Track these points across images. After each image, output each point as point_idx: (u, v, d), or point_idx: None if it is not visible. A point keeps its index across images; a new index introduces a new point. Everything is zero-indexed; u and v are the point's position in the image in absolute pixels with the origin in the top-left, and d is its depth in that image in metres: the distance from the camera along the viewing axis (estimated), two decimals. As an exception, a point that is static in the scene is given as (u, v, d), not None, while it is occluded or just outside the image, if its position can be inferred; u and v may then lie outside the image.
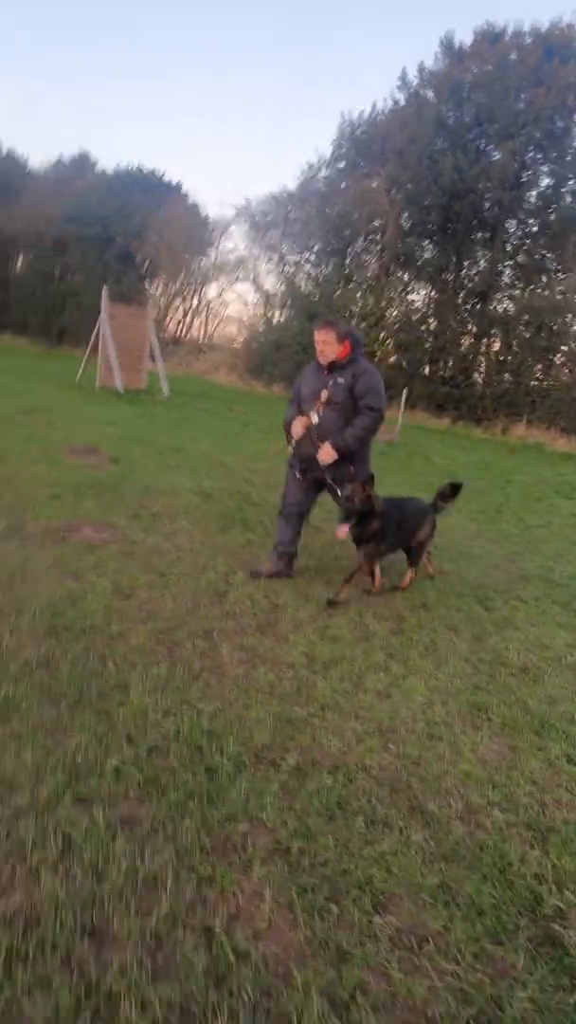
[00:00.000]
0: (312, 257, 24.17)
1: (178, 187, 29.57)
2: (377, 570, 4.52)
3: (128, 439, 8.94)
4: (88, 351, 15.65)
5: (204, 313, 31.60)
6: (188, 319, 31.52)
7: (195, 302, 31.32)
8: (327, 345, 4.24)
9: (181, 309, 31.12)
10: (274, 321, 24.57)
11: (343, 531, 4.18)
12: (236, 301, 32.92)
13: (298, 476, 4.53)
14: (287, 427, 4.49)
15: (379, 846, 2.14)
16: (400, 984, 1.69)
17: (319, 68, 57.46)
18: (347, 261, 22.69)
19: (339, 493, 4.26)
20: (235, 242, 39.12)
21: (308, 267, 24.42)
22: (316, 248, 23.70)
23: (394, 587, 4.59)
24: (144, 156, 61.63)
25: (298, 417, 4.41)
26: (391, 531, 4.35)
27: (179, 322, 31.24)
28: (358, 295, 21.65)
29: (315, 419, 4.34)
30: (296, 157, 71.86)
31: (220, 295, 31.00)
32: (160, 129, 60.80)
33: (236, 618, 3.73)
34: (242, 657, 3.30)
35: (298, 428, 4.38)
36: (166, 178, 29.57)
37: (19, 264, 31.06)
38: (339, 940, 1.79)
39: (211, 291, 31.26)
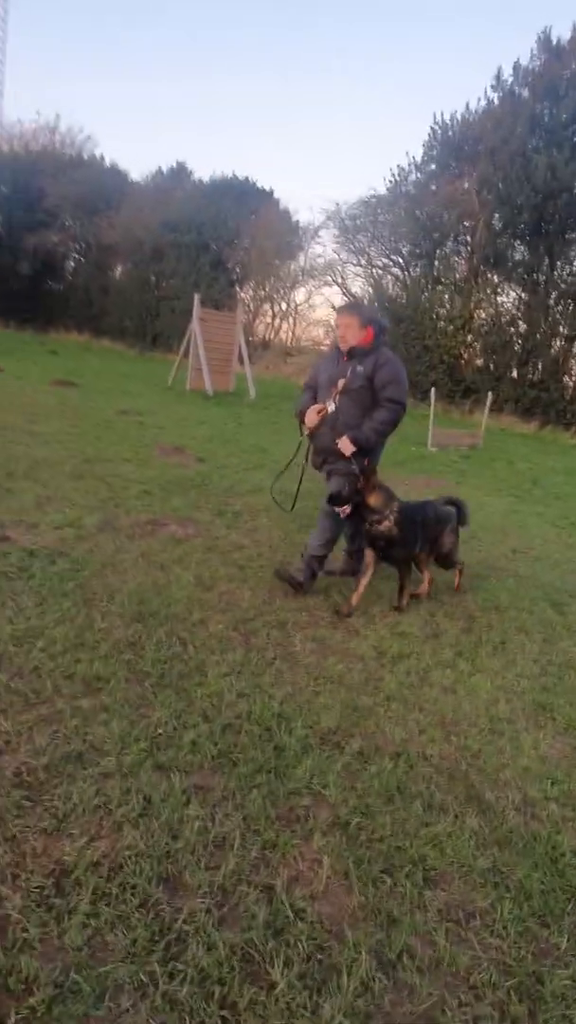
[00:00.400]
0: (400, 260, 24.15)
1: (270, 193, 30.04)
2: (407, 582, 4.22)
3: (215, 440, 9.28)
4: (180, 356, 16.22)
5: (292, 317, 31.96)
6: (276, 323, 31.98)
7: (283, 306, 31.74)
8: (348, 329, 4.08)
9: (270, 313, 31.60)
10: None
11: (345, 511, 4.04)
12: (323, 305, 33.06)
13: (308, 471, 4.37)
14: (300, 416, 4.30)
15: (434, 828, 2.26)
16: (445, 951, 1.81)
17: (413, 72, 57.07)
18: (435, 263, 22.51)
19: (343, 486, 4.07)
20: (324, 246, 39.33)
21: (396, 270, 24.41)
22: (404, 251, 23.66)
23: (414, 595, 4.40)
24: (238, 164, 62.89)
25: (312, 406, 4.23)
26: (415, 538, 4.16)
27: (267, 326, 31.73)
28: (446, 297, 21.46)
29: (331, 407, 4.13)
30: (388, 161, 71.61)
31: (308, 299, 31.27)
32: (255, 136, 61.98)
33: (310, 611, 3.90)
34: (313, 648, 3.47)
35: (312, 417, 4.18)
36: (259, 184, 30.15)
37: (118, 272, 32.36)
38: (390, 908, 1.92)
39: (299, 295, 31.59)
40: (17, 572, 3.81)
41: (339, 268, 26.87)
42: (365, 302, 24.84)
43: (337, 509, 4.06)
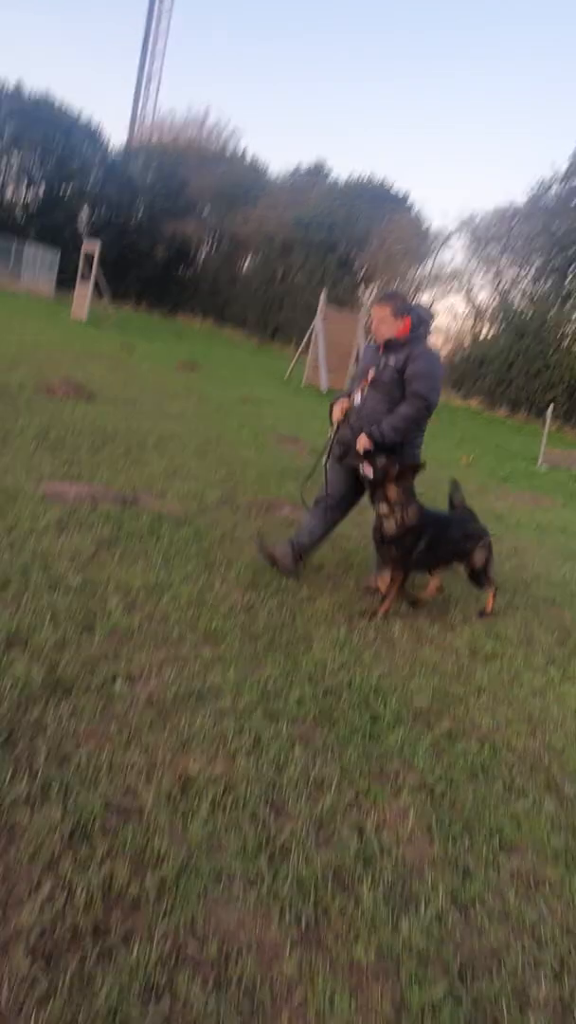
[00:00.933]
0: (531, 273, 23.66)
1: (404, 198, 30.11)
2: (386, 587, 3.97)
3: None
4: (300, 350, 16.64)
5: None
6: (396, 326, 31.93)
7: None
8: (382, 322, 3.91)
9: (390, 316, 31.63)
10: (481, 336, 24.34)
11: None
12: (446, 313, 32.80)
13: (330, 462, 4.22)
14: (331, 409, 4.22)
15: (513, 806, 2.45)
16: (514, 906, 2.01)
17: (563, 82, 55.34)
18: (567, 280, 21.94)
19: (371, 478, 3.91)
20: (453, 254, 38.88)
21: (525, 283, 23.93)
22: (536, 265, 23.17)
23: (481, 612, 4.28)
24: (376, 166, 63.12)
25: (340, 400, 4.16)
26: (418, 545, 3.93)
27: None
28: (575, 315, 20.90)
29: (357, 399, 4.02)
30: (529, 173, 69.88)
31: (431, 305, 31.08)
32: (395, 140, 61.95)
33: (410, 603, 4.12)
34: (411, 636, 3.69)
35: (336, 411, 4.11)
36: (394, 189, 30.24)
37: (246, 263, 33.32)
38: (467, 863, 2.14)
39: (423, 301, 31.45)
40: (148, 533, 4.23)
41: (466, 277, 26.60)
42: (489, 313, 24.51)
43: (365, 465, 3.91)
